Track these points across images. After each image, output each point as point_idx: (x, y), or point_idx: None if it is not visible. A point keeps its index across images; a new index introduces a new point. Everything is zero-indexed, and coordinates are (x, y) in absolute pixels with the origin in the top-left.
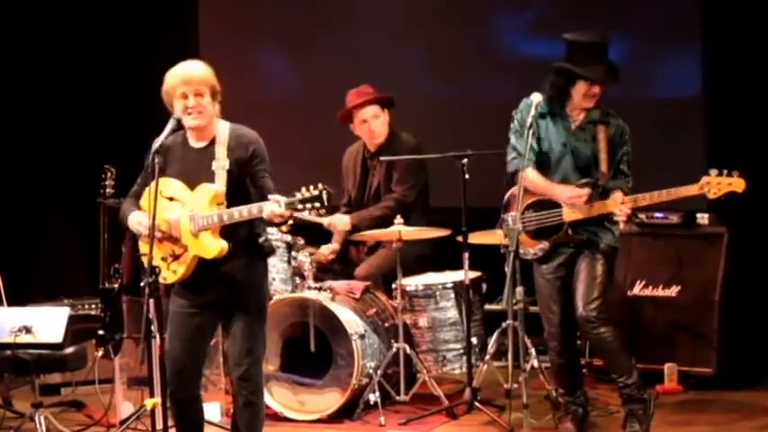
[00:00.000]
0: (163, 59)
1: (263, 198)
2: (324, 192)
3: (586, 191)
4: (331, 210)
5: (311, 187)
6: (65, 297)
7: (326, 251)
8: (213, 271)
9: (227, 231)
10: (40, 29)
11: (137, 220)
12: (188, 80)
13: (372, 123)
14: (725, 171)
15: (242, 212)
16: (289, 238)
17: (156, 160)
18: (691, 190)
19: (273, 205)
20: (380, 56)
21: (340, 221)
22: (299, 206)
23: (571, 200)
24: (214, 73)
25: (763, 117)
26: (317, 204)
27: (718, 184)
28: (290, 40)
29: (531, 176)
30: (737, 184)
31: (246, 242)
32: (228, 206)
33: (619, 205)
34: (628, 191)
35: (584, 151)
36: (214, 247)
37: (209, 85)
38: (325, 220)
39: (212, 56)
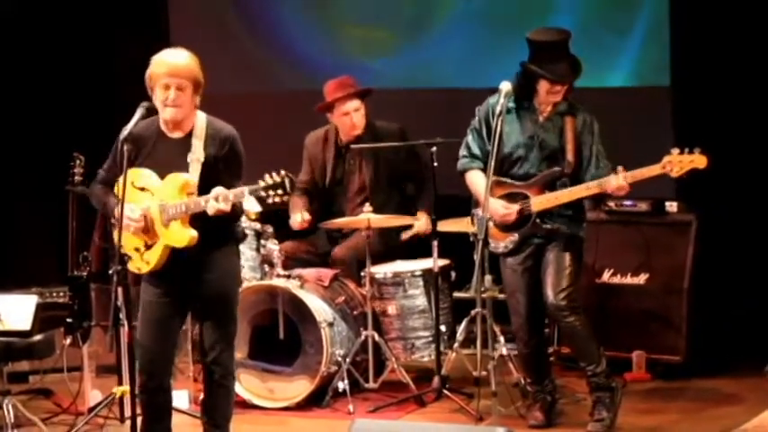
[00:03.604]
0: (132, 46)
1: None
2: (286, 178)
3: (516, 207)
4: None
5: (273, 174)
6: (33, 285)
7: (300, 219)
8: (186, 259)
9: (200, 219)
10: (6, 17)
11: (126, 215)
12: (173, 72)
13: (354, 116)
14: (686, 149)
15: (200, 203)
16: (258, 225)
17: (125, 148)
18: (654, 170)
19: (217, 204)
20: (352, 45)
21: (425, 225)
22: (263, 193)
23: (502, 218)
24: (199, 63)
25: (732, 105)
26: (280, 191)
27: (680, 162)
28: (262, 27)
29: (474, 179)
30: (699, 160)
31: (219, 229)
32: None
33: (620, 181)
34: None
35: (551, 142)
36: (183, 236)
37: (192, 78)
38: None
39: (183, 42)
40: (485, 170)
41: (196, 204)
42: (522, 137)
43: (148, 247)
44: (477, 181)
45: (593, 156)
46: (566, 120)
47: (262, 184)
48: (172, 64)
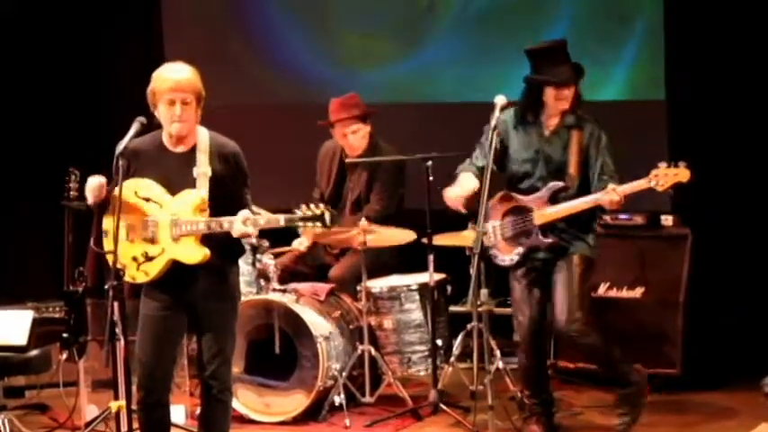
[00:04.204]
0: (127, 60)
1: None
2: (326, 212)
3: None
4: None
5: (312, 205)
6: (29, 300)
7: (299, 245)
8: (186, 272)
9: (209, 235)
10: (2, 30)
11: (90, 185)
12: (177, 87)
13: (351, 138)
14: (673, 163)
15: (223, 224)
16: (253, 240)
17: (120, 163)
18: (641, 185)
19: (245, 228)
20: (351, 55)
21: (305, 241)
22: (299, 224)
23: (449, 201)
24: (199, 77)
25: (727, 119)
26: (319, 224)
27: (665, 175)
28: (258, 38)
29: (461, 177)
30: (683, 174)
31: (222, 244)
32: (210, 212)
33: (611, 196)
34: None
35: (556, 157)
36: (197, 253)
37: (196, 92)
38: (294, 243)
39: (177, 55)
40: (480, 177)
41: (218, 225)
42: (528, 152)
43: (149, 258)
44: (462, 179)
45: (599, 169)
46: (572, 133)
47: (299, 214)
48: (175, 79)
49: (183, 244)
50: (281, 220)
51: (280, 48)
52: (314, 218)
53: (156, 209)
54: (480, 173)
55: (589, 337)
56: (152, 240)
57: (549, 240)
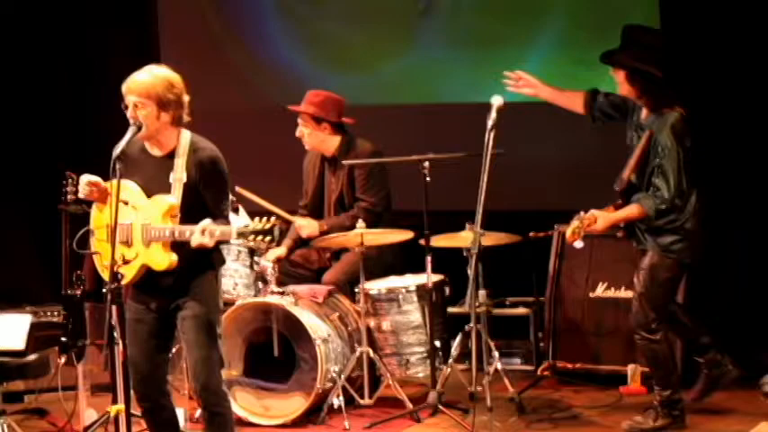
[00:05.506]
0: (123, 62)
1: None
2: (276, 227)
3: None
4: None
5: (264, 219)
6: (27, 304)
7: (272, 257)
8: (160, 278)
9: (179, 243)
10: None
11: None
12: (128, 90)
13: (300, 128)
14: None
15: (185, 233)
16: (251, 243)
17: (117, 167)
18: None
19: (202, 238)
20: (347, 58)
21: (309, 226)
22: (250, 236)
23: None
24: (174, 81)
25: (723, 123)
26: (268, 238)
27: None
28: (250, 43)
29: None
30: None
31: (195, 252)
32: (183, 219)
33: (585, 222)
34: (641, 208)
35: (635, 150)
36: (163, 259)
37: (152, 96)
38: (296, 222)
39: (173, 57)
40: (583, 97)
41: (180, 233)
42: (628, 138)
43: (126, 261)
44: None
45: (647, 177)
46: (647, 132)
47: (251, 227)
48: (130, 81)
49: (152, 249)
50: (233, 232)
51: (273, 50)
52: (264, 232)
53: (132, 212)
54: (589, 95)
55: (643, 341)
56: (127, 243)
57: (618, 234)
